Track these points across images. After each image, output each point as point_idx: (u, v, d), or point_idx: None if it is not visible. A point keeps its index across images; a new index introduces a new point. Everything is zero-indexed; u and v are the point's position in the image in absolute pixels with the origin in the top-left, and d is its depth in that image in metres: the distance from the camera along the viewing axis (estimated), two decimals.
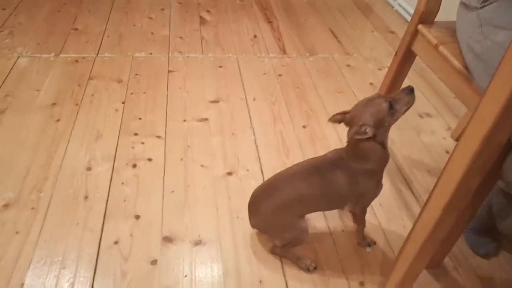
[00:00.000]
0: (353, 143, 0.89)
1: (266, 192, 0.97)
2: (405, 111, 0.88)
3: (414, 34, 1.06)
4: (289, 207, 0.93)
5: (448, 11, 1.10)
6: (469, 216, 0.93)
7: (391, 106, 0.84)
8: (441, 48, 0.95)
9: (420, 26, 1.04)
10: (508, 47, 0.56)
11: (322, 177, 0.93)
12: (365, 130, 0.84)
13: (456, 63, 0.90)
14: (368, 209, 1.15)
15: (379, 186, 0.96)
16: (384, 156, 0.91)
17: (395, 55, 1.16)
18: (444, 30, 1.02)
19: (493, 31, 0.76)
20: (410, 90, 0.87)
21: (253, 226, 1.01)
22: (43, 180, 1.14)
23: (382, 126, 0.86)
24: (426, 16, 1.04)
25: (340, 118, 0.90)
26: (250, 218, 1.00)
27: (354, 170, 0.91)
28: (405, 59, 1.14)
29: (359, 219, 1.02)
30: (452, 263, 1.04)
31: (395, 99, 0.86)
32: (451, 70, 0.92)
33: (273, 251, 1.02)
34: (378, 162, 0.91)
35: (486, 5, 0.80)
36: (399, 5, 2.29)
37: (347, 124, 0.90)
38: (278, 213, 0.94)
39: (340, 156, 0.93)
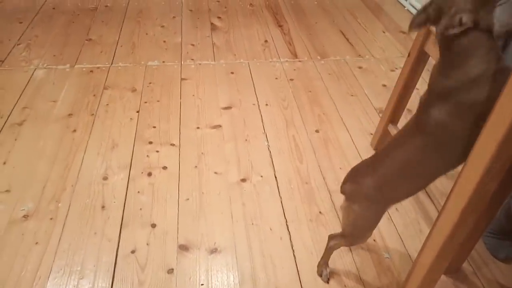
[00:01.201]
0: (446, 47, 0.65)
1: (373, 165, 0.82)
2: None
3: (427, 34, 1.05)
4: (396, 181, 0.78)
5: None
6: (488, 219, 0.92)
7: None
8: None
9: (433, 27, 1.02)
10: None
11: (422, 128, 0.72)
12: (460, 19, 0.62)
13: None
14: (385, 214, 1.14)
15: None
16: (496, 53, 0.64)
17: (408, 56, 1.15)
18: None
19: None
20: None
21: (344, 191, 0.86)
22: (61, 190, 1.16)
23: (480, 5, 0.63)
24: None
25: (423, 18, 0.69)
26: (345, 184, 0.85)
27: (457, 87, 0.66)
28: (418, 60, 1.13)
29: None
30: (471, 267, 1.02)
31: None
32: None
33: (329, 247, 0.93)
34: (490, 60, 0.64)
35: (503, 3, 0.79)
36: (410, 4, 2.26)
37: (434, 22, 0.68)
38: (382, 191, 0.78)
39: (434, 83, 0.70)
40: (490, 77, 0.63)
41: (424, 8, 0.68)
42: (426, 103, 0.71)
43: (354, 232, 0.88)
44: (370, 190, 0.79)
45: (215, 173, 1.25)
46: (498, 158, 0.64)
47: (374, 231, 1.08)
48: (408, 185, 0.79)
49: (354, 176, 0.85)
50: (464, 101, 0.66)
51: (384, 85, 1.68)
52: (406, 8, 2.30)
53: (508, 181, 0.81)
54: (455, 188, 0.72)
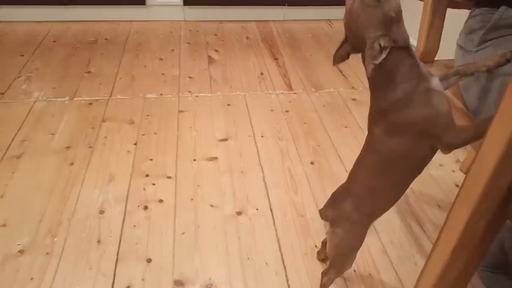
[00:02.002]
0: (375, 72, 0.67)
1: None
2: None
3: None
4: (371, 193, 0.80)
5: (448, 47, 1.13)
6: (481, 254, 0.92)
7: None
8: None
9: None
10: (506, 92, 0.57)
11: (371, 145, 0.76)
12: (380, 45, 0.64)
13: (457, 102, 0.92)
14: (379, 246, 1.15)
15: (443, 101, 0.67)
16: (416, 76, 0.66)
17: None
18: (444, 69, 1.04)
19: (489, 76, 0.78)
20: None
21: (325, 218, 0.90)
22: (57, 224, 1.17)
23: (389, 24, 0.64)
24: (426, 56, 1.07)
25: (344, 52, 0.71)
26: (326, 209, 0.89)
27: (387, 108, 0.69)
28: None
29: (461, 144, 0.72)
30: None
31: None
32: (453, 109, 0.94)
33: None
34: (412, 79, 0.67)
35: (481, 49, 0.83)
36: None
37: (356, 52, 0.70)
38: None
39: (371, 103, 0.73)
40: (414, 97, 0.67)
41: (342, 43, 0.71)
42: (369, 121, 0.75)
43: (340, 256, 0.89)
44: (349, 212, 0.82)
45: (211, 206, 1.26)
46: (485, 198, 0.66)
47: (368, 264, 1.09)
48: (381, 200, 0.81)
49: (333, 201, 0.88)
50: (396, 120, 0.69)
51: None
52: None
53: (500, 215, 0.82)
54: (445, 227, 0.73)
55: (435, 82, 0.69)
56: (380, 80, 0.69)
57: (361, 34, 0.65)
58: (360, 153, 0.80)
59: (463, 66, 0.75)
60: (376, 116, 0.72)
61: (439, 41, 1.06)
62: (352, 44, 0.69)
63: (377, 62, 0.64)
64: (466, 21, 0.93)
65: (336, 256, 0.90)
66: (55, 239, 1.12)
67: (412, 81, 0.66)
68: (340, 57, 0.72)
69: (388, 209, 0.84)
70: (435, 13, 1.03)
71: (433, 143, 0.70)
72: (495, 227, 0.83)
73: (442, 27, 1.04)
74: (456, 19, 1.03)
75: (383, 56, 0.64)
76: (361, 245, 0.87)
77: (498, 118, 0.60)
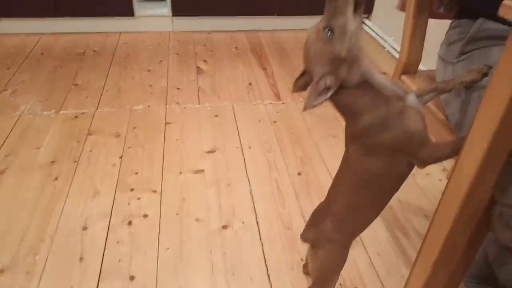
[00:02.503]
0: (333, 104, 0.68)
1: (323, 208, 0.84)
2: (357, 16, 0.62)
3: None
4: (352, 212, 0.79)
5: (431, 57, 1.13)
6: (465, 266, 0.91)
7: (329, 30, 0.61)
8: None
9: (403, 77, 1.06)
10: (481, 104, 0.57)
11: (347, 162, 0.75)
12: (325, 84, 0.63)
13: (439, 114, 0.92)
14: (365, 259, 1.14)
15: (417, 120, 0.66)
16: (383, 102, 0.65)
17: None
18: (427, 80, 1.04)
19: (468, 89, 0.78)
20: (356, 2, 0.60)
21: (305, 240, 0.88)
22: (39, 242, 1.15)
23: (337, 64, 0.62)
24: (409, 67, 1.07)
25: (303, 82, 0.70)
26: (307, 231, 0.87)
27: (356, 134, 0.69)
28: None
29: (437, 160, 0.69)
30: None
31: (330, 16, 0.61)
32: (435, 120, 0.94)
33: None
34: (375, 110, 0.65)
35: (461, 60, 0.83)
36: (390, 46, 2.34)
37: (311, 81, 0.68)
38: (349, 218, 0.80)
39: (345, 130, 0.72)
40: (385, 120, 0.65)
41: (302, 73, 0.70)
42: (345, 140, 0.74)
43: (323, 278, 0.88)
44: (330, 231, 0.81)
45: (197, 220, 1.24)
46: (465, 210, 0.65)
47: (355, 277, 1.08)
48: (361, 218, 0.80)
49: (313, 221, 0.86)
50: (369, 142, 0.68)
51: None
52: (386, 49, 2.39)
53: (481, 227, 0.82)
54: (426, 240, 0.72)
55: (411, 99, 0.68)
56: (342, 111, 0.69)
57: (311, 68, 0.65)
58: (338, 170, 0.79)
59: (441, 83, 0.75)
60: (350, 138, 0.72)
61: (421, 52, 1.06)
62: (308, 75, 0.68)
63: (319, 101, 0.63)
64: (447, 32, 0.93)
65: (319, 278, 0.88)
66: (37, 257, 1.10)
67: (379, 108, 0.65)
68: (299, 87, 0.71)
69: (367, 226, 0.83)
70: (417, 24, 1.03)
71: (410, 160, 0.69)
72: (477, 239, 0.82)
73: (424, 38, 1.04)
74: (439, 29, 1.03)
75: (327, 95, 0.63)
76: (343, 265, 0.85)
77: (474, 130, 0.59)
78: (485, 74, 0.70)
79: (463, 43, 0.83)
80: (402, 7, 1.05)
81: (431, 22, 1.06)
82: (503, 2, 0.48)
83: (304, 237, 0.88)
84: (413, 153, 0.67)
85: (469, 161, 0.60)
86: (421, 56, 1.07)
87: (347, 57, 0.62)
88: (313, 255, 0.85)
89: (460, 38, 0.85)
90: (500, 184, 0.65)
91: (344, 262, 0.85)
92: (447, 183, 0.66)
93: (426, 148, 0.66)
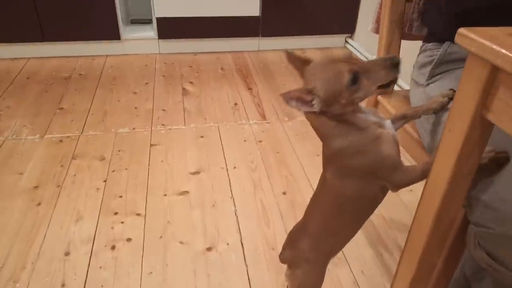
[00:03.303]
0: (314, 123, 0.69)
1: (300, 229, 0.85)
2: (378, 89, 0.64)
3: (375, 104, 1.11)
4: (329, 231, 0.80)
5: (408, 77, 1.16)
6: (445, 283, 0.92)
7: (354, 80, 0.62)
8: None
9: (379, 98, 1.09)
10: (445, 126, 0.59)
11: (324, 184, 0.76)
12: (311, 100, 0.64)
13: (414, 133, 0.94)
14: (350, 277, 1.14)
15: (391, 146, 0.67)
16: (359, 129, 0.66)
17: None
18: (403, 100, 1.07)
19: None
20: (393, 64, 0.62)
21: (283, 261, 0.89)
22: (20, 268, 1.13)
23: (335, 102, 0.63)
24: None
25: (300, 62, 0.69)
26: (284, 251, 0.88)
27: (330, 155, 0.70)
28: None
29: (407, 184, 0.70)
30: None
31: (365, 69, 0.63)
32: (410, 139, 0.96)
33: None
34: (350, 136, 0.66)
35: (431, 83, 0.85)
36: None
37: (302, 77, 0.69)
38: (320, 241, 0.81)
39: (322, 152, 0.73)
40: (359, 145, 0.66)
41: (304, 60, 0.69)
42: (322, 161, 0.75)
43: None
44: (307, 251, 0.81)
45: (181, 242, 1.23)
46: (437, 230, 0.66)
47: None
48: (337, 238, 0.81)
49: (290, 242, 0.87)
50: (343, 165, 0.70)
51: None
52: None
53: (457, 246, 0.83)
54: (402, 260, 0.73)
55: (387, 125, 0.70)
56: (317, 132, 0.70)
57: (310, 81, 0.65)
58: (316, 191, 0.80)
59: (411, 110, 0.77)
60: (325, 160, 0.73)
61: None
62: (304, 75, 0.68)
63: (296, 107, 0.64)
64: (418, 55, 0.96)
65: None
66: (17, 285, 1.08)
67: (352, 135, 0.66)
68: (295, 61, 0.70)
69: (343, 246, 0.84)
70: (390, 46, 1.06)
71: (382, 183, 0.70)
72: (454, 256, 0.84)
73: None
74: (415, 50, 1.06)
75: (304, 109, 0.64)
76: (321, 284, 0.86)
77: (440, 151, 0.61)
78: (451, 98, 0.73)
79: (432, 66, 0.86)
80: (376, 30, 1.09)
81: (408, 43, 1.09)
82: (458, 30, 0.50)
83: (281, 257, 0.88)
84: (385, 177, 0.68)
85: (437, 182, 0.62)
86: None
87: (348, 104, 0.64)
88: (291, 275, 0.85)
89: (429, 61, 0.88)
90: (470, 204, 0.66)
91: (322, 281, 0.86)
92: (418, 204, 0.68)
93: (397, 172, 0.67)
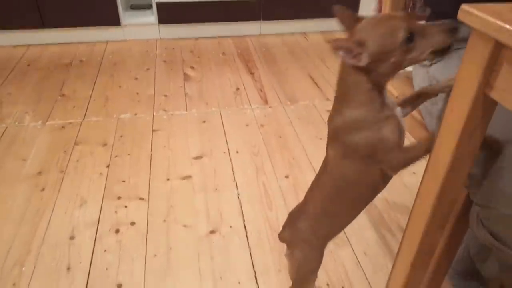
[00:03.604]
0: (341, 78, 0.66)
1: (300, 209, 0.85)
2: (429, 55, 0.61)
3: None
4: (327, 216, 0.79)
5: None
6: (446, 263, 0.93)
7: (409, 39, 0.58)
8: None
9: None
10: (447, 105, 0.58)
11: (326, 166, 0.75)
12: (359, 52, 0.60)
13: (416, 114, 0.94)
14: (352, 258, 1.15)
15: (394, 130, 0.65)
16: (378, 104, 0.64)
17: None
18: (404, 80, 1.06)
19: (446, 98, 0.80)
20: (451, 28, 0.59)
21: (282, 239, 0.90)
22: (26, 253, 1.15)
23: (385, 59, 0.60)
24: None
25: (351, 19, 0.64)
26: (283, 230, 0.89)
27: (341, 126, 0.67)
28: None
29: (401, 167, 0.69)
30: None
31: (423, 30, 0.59)
32: (413, 120, 0.95)
33: None
34: (368, 108, 0.64)
35: (434, 63, 0.84)
36: None
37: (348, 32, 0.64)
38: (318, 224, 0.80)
39: (329, 120, 0.71)
40: (368, 122, 0.65)
41: (356, 18, 0.64)
42: (327, 140, 0.73)
43: (300, 278, 0.88)
44: (305, 232, 0.82)
45: (184, 226, 1.25)
46: (439, 210, 0.66)
47: (342, 277, 1.09)
48: (335, 222, 0.80)
49: (290, 222, 0.87)
50: (347, 142, 0.67)
51: None
52: None
53: (459, 225, 0.83)
54: (403, 242, 0.74)
55: (397, 111, 0.68)
56: (344, 94, 0.67)
57: (362, 34, 0.60)
58: (317, 174, 0.80)
59: (426, 88, 0.74)
60: (331, 136, 0.72)
61: None
62: (354, 30, 0.63)
63: (342, 55, 0.60)
64: None
65: (297, 278, 0.89)
66: (23, 268, 1.10)
67: (372, 108, 0.64)
68: (346, 17, 0.64)
69: (341, 230, 0.85)
70: None
71: (380, 168, 0.69)
72: (455, 238, 0.84)
73: None
74: None
75: (350, 61, 0.60)
76: (319, 265, 0.86)
77: (443, 130, 0.60)
78: None
79: None
80: (379, 10, 1.07)
81: None
82: (461, 6, 0.50)
83: (281, 236, 0.89)
84: (382, 160, 0.67)
85: (439, 162, 0.61)
86: None
87: (395, 65, 0.61)
88: (290, 255, 0.86)
89: None
90: (473, 185, 0.66)
91: (320, 262, 0.86)
92: (420, 185, 0.68)
93: (394, 153, 0.66)
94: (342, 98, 0.67)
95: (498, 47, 0.48)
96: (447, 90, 0.72)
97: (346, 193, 0.75)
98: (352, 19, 0.64)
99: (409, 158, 0.67)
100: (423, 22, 0.62)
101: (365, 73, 0.62)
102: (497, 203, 0.62)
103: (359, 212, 0.79)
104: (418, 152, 0.67)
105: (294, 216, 0.86)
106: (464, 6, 0.49)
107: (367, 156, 0.68)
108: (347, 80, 0.65)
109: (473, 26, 0.49)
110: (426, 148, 0.65)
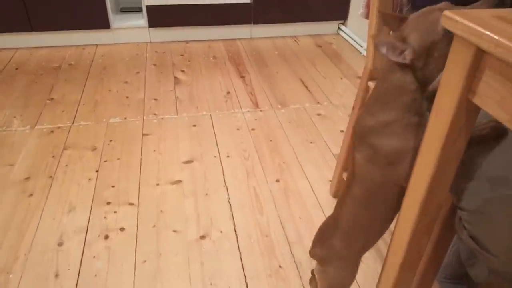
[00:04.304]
0: (382, 77, 0.64)
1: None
2: None
3: (366, 90, 1.11)
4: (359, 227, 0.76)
5: None
6: (435, 267, 0.93)
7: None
8: None
9: (370, 83, 1.09)
10: (432, 109, 0.59)
11: (353, 174, 0.70)
12: (402, 49, 0.58)
13: None
14: None
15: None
16: (417, 109, 0.62)
17: (352, 110, 1.20)
18: None
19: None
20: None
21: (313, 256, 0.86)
22: (13, 260, 1.13)
23: (429, 55, 0.59)
24: (375, 73, 1.10)
25: (397, 21, 0.62)
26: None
27: (373, 127, 0.65)
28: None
29: None
30: None
31: None
32: None
33: None
34: (405, 111, 0.62)
35: None
36: (366, 49, 2.38)
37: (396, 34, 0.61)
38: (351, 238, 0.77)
39: (357, 121, 0.68)
40: (400, 126, 0.63)
41: (400, 18, 0.63)
42: (353, 142, 0.71)
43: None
44: (340, 249, 0.78)
45: (174, 231, 1.24)
46: (423, 218, 0.67)
47: None
48: (370, 233, 0.76)
49: (322, 238, 0.83)
50: (372, 143, 0.65)
51: (342, 131, 1.73)
52: (362, 54, 2.43)
53: (446, 231, 0.84)
54: (391, 246, 0.74)
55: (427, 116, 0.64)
56: (380, 93, 0.64)
57: (407, 30, 0.59)
58: (345, 185, 0.76)
59: None
60: (359, 137, 0.68)
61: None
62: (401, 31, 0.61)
63: (385, 52, 0.58)
64: None
65: None
66: (10, 276, 1.09)
67: (409, 112, 0.62)
68: (392, 19, 0.62)
69: (376, 241, 0.79)
70: (380, 31, 1.06)
71: (399, 182, 0.66)
72: (443, 242, 0.85)
73: None
74: None
75: (393, 58, 0.58)
76: (352, 281, 0.83)
77: (428, 136, 0.61)
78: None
79: None
80: (366, 15, 1.08)
81: None
82: (443, 13, 0.50)
83: (312, 253, 0.84)
84: (405, 172, 0.64)
85: (424, 167, 0.62)
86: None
87: (437, 60, 0.59)
88: (322, 273, 0.82)
89: None
90: (455, 189, 0.67)
91: (354, 278, 0.82)
92: (406, 190, 0.68)
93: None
94: (379, 98, 0.65)
95: (480, 53, 0.48)
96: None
97: (379, 198, 0.70)
98: (397, 20, 0.62)
99: None
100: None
101: (411, 72, 0.60)
102: (475, 206, 0.62)
103: (391, 220, 0.74)
104: None
105: (325, 232, 0.81)
106: (447, 13, 0.50)
107: (389, 164, 0.64)
108: (391, 79, 0.62)
109: (456, 32, 0.49)
110: None
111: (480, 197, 0.61)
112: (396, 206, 0.72)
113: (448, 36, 0.56)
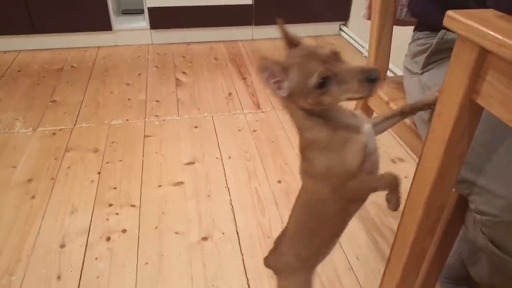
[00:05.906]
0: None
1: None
2: (348, 99, 0.58)
3: None
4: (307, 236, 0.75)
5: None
6: (438, 268, 0.93)
7: (322, 84, 0.57)
8: (391, 104, 0.99)
9: None
10: (435, 111, 0.58)
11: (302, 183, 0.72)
12: (281, 80, 0.59)
13: (406, 119, 0.94)
14: (344, 263, 1.15)
15: (356, 154, 0.62)
16: (331, 127, 0.62)
17: (354, 110, 1.20)
18: (395, 86, 1.06)
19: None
20: (369, 79, 0.56)
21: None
22: (15, 262, 1.13)
23: (301, 97, 0.60)
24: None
25: (288, 39, 0.63)
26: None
27: (302, 144, 0.66)
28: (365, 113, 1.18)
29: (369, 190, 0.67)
30: None
31: (339, 76, 0.57)
32: (403, 125, 0.96)
33: None
34: (319, 130, 0.63)
35: (426, 71, 0.85)
36: (367, 51, 2.38)
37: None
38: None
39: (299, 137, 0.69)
40: (326, 144, 0.63)
41: (294, 42, 0.63)
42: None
43: None
44: (288, 255, 0.77)
45: (176, 233, 1.24)
46: (426, 218, 0.66)
47: (334, 283, 1.09)
48: (316, 240, 0.75)
49: (274, 246, 0.81)
50: (308, 160, 0.65)
51: None
52: (364, 55, 2.43)
53: (450, 230, 0.83)
54: (394, 247, 0.74)
55: (364, 130, 0.64)
56: (293, 120, 0.66)
57: (286, 65, 0.59)
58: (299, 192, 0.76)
59: (407, 106, 0.73)
60: (300, 151, 0.68)
61: (388, 60, 1.09)
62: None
63: (268, 85, 0.59)
64: (410, 44, 0.95)
65: None
66: (13, 278, 1.09)
67: (324, 131, 0.62)
68: (286, 35, 0.62)
69: (324, 253, 0.78)
70: (382, 32, 1.05)
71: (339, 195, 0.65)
72: (447, 240, 0.84)
73: (390, 46, 1.07)
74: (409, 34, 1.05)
75: (271, 88, 0.59)
76: None
77: (430, 136, 0.61)
78: None
79: (427, 55, 0.85)
80: (368, 16, 1.08)
81: (401, 28, 1.08)
82: (446, 13, 0.50)
83: (266, 262, 0.83)
84: (339, 186, 0.64)
85: (428, 167, 0.62)
86: (388, 64, 1.10)
87: (310, 104, 0.60)
88: (278, 284, 0.81)
89: (422, 50, 0.86)
90: (471, 191, 0.65)
91: None
92: (409, 190, 0.68)
93: (353, 182, 0.63)
94: (296, 126, 0.66)
95: (483, 53, 0.48)
96: (426, 108, 0.71)
97: (320, 209, 0.70)
98: (292, 38, 0.62)
99: (366, 188, 0.64)
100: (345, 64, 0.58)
101: (294, 103, 0.61)
102: (498, 210, 0.61)
103: (340, 231, 0.74)
104: (379, 184, 0.63)
105: (278, 239, 0.81)
106: (450, 12, 0.49)
107: (324, 178, 0.64)
108: (283, 105, 0.64)
109: (459, 33, 0.49)
110: (385, 184, 0.62)
111: (504, 200, 0.60)
112: (341, 218, 0.71)
113: (318, 90, 0.57)
